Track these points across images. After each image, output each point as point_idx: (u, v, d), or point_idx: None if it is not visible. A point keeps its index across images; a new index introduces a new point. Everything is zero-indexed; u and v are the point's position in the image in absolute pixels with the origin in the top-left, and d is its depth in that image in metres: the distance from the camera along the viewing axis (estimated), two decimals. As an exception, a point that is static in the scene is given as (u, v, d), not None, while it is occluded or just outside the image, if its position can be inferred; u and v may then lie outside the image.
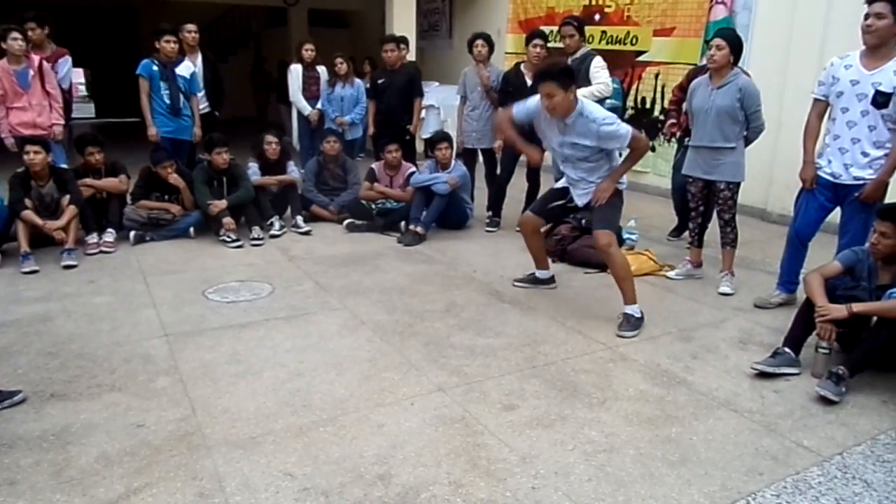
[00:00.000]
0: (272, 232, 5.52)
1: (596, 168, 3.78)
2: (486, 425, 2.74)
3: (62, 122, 5.56)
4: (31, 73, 5.30)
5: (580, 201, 3.91)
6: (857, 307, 3.09)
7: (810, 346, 3.27)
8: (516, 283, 4.45)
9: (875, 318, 3.16)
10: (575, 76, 5.04)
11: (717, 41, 4.17)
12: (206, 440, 2.58)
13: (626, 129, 3.61)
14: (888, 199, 3.61)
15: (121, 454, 2.47)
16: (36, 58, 5.38)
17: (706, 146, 4.28)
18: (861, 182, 3.65)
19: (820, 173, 3.83)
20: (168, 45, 5.79)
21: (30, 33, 5.55)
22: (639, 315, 3.73)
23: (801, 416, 2.88)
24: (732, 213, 4.38)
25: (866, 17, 3.48)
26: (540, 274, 4.41)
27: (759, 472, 2.48)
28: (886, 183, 3.62)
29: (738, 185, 4.32)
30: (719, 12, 6.81)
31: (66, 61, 5.97)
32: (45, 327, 3.62)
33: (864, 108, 3.57)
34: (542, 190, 5.78)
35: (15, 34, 5.17)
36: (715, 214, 4.56)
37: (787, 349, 3.27)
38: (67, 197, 4.88)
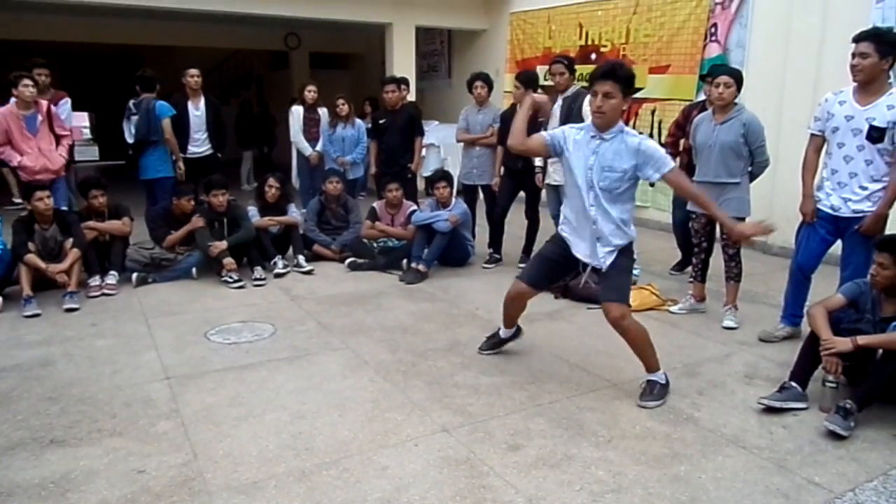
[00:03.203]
0: (276, 270, 5.54)
1: (621, 199, 3.23)
2: (491, 466, 2.70)
3: (66, 156, 5.68)
4: (40, 118, 5.41)
5: (605, 261, 3.28)
6: (862, 340, 3.08)
7: (817, 380, 3.24)
8: (482, 352, 3.91)
9: (881, 351, 3.14)
10: (569, 114, 5.11)
11: (725, 79, 4.18)
12: (208, 485, 2.54)
13: (663, 151, 3.24)
14: (889, 231, 3.61)
15: (121, 501, 2.44)
16: (44, 103, 5.51)
17: (710, 182, 4.28)
18: (861, 215, 3.66)
19: (820, 206, 3.84)
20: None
21: (39, 78, 5.74)
22: (664, 381, 3.34)
23: (811, 452, 2.84)
24: (737, 248, 4.37)
25: (853, 56, 3.54)
26: (504, 333, 3.89)
27: (770, 510, 2.43)
28: (886, 215, 3.62)
29: (742, 220, 4.32)
30: (713, 50, 6.94)
31: (65, 102, 6.15)
32: (46, 372, 3.61)
33: (859, 142, 3.60)
34: (542, 225, 5.84)
35: (27, 81, 5.32)
36: (719, 249, 4.56)
37: (793, 383, 3.24)
38: (70, 240, 4.91)
